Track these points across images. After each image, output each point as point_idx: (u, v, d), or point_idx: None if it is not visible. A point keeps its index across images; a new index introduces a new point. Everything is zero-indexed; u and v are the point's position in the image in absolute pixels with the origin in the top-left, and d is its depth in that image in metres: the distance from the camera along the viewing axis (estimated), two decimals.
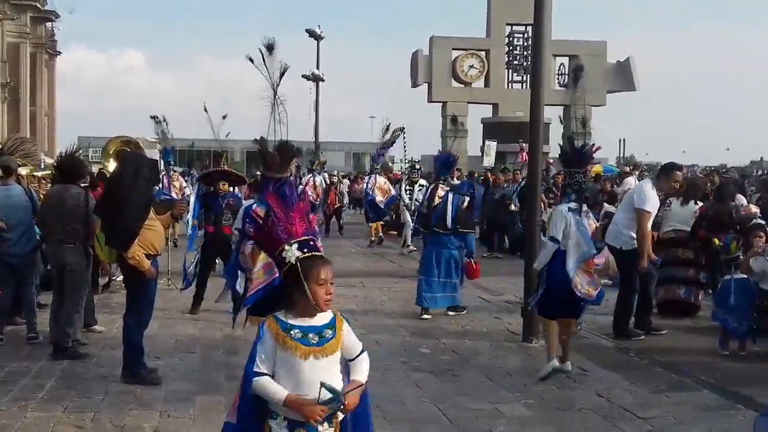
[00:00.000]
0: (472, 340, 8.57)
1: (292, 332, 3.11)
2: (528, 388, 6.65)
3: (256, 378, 3.11)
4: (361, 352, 3.28)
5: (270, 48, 9.14)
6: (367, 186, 18.13)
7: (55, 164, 8.42)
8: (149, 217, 6.64)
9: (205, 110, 14.01)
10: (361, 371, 3.23)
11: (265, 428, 3.17)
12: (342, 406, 3.08)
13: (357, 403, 3.15)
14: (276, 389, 3.09)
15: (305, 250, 3.15)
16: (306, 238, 3.20)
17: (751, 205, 11.21)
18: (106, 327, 8.58)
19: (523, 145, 26.84)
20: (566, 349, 7.08)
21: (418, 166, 18.49)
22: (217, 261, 10.41)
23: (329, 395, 3.03)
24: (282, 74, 9.16)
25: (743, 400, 6.31)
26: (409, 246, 16.75)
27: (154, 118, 15.72)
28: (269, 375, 3.11)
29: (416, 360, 7.63)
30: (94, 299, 8.83)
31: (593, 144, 7.96)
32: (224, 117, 14.99)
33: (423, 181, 16.29)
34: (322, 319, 3.18)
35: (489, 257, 16.62)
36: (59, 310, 7.58)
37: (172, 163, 15.54)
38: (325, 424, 3.12)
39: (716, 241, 9.36)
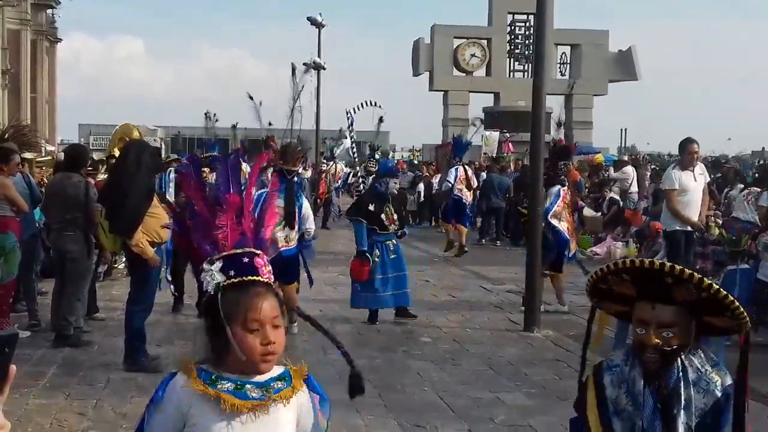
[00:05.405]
0: (473, 329, 8.58)
1: (219, 384, 2.03)
2: (529, 378, 6.66)
3: None
4: None
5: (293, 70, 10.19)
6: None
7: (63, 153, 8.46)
8: (152, 205, 6.67)
9: (207, 117, 14.83)
10: None
11: None
12: None
13: None
14: None
15: (232, 273, 2.00)
16: (237, 251, 2.04)
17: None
18: (107, 315, 8.59)
19: (507, 135, 27.18)
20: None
21: (378, 155, 18.73)
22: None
23: None
24: (299, 93, 10.09)
25: None
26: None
27: (206, 114, 17.30)
28: None
29: (417, 349, 7.64)
30: (96, 287, 8.85)
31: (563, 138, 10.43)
32: (254, 98, 15.59)
33: None
34: (269, 373, 2.07)
35: (486, 244, 16.98)
36: (60, 298, 7.60)
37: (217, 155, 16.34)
38: None
39: (723, 232, 9.34)
